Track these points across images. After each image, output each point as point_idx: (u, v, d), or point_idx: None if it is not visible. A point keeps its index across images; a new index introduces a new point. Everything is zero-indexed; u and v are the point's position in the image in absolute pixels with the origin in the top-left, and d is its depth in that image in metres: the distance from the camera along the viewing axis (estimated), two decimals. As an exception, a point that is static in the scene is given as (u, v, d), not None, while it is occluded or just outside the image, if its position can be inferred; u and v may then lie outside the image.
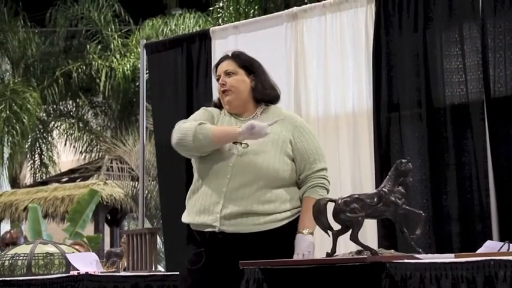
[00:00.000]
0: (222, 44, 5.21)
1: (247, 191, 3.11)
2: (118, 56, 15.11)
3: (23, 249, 3.94)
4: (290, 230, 3.12)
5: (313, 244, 3.10)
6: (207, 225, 3.14)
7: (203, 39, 5.36)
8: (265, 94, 3.27)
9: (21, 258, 3.87)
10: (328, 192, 3.19)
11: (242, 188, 3.11)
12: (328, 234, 2.73)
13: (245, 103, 3.27)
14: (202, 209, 3.16)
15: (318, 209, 2.72)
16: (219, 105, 3.34)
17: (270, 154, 3.14)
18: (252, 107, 3.28)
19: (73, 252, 4.00)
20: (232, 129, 3.14)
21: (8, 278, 3.76)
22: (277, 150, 3.15)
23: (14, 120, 14.09)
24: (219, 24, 5.39)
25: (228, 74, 3.27)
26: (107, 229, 13.98)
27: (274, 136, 3.16)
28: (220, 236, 3.11)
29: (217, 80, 3.31)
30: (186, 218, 3.22)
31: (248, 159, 3.13)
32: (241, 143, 3.14)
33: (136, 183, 10.97)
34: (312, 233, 3.09)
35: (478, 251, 2.91)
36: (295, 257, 3.05)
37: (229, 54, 3.33)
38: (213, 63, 5.17)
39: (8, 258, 3.90)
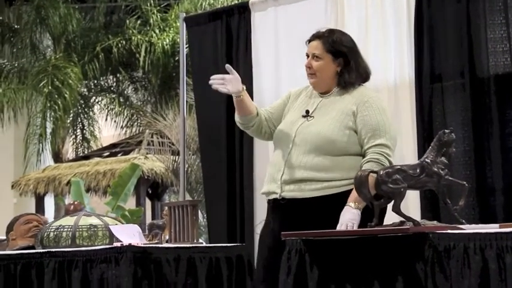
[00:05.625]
0: (262, 16, 5.18)
1: (305, 158, 3.25)
2: (157, 31, 15.10)
3: (67, 221, 3.98)
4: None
5: (359, 217, 3.08)
6: (272, 192, 3.33)
7: (242, 11, 5.33)
8: (349, 83, 3.34)
9: (65, 230, 3.91)
10: None
11: (301, 155, 3.26)
12: (370, 205, 2.72)
13: (329, 85, 3.38)
14: (270, 178, 3.36)
15: (360, 181, 2.72)
16: None
17: (329, 125, 3.26)
18: (334, 87, 3.39)
19: (116, 224, 4.03)
20: None
21: (54, 250, 3.80)
22: (337, 121, 3.27)
23: (56, 96, 14.20)
24: (259, -3, 5.34)
25: (314, 57, 3.36)
26: (148, 203, 14.09)
27: (338, 108, 3.30)
28: (282, 201, 3.27)
29: (307, 56, 3.40)
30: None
31: (308, 130, 3.29)
32: (307, 116, 3.32)
33: (177, 157, 11.03)
34: (359, 208, 3.09)
35: (523, 222, 2.88)
36: (338, 228, 3.05)
37: (320, 34, 3.38)
38: (253, 35, 5.20)
39: (52, 229, 3.95)
